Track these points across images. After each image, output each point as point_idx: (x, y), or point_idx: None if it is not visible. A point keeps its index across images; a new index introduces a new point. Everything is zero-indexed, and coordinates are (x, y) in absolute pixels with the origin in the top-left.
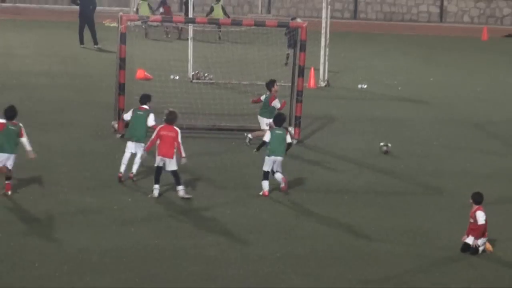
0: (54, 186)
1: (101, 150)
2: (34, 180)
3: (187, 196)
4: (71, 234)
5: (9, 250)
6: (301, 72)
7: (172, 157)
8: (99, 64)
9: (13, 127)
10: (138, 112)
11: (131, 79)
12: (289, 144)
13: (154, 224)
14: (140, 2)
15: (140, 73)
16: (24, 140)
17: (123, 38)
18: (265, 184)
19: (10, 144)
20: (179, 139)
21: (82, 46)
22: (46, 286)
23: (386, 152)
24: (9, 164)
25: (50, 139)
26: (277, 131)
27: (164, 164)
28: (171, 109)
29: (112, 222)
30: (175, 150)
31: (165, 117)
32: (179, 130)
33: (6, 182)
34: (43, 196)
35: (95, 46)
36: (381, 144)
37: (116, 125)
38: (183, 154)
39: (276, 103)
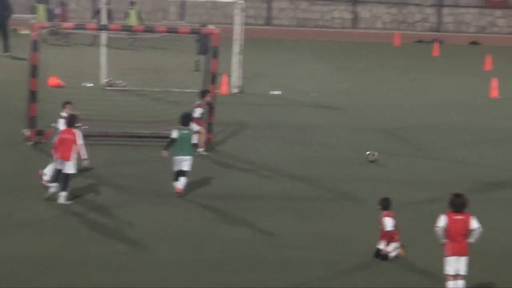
0: None
1: (12, 157)
2: None
3: (67, 202)
4: None
5: None
6: (214, 78)
7: (69, 160)
8: (12, 71)
9: None
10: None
11: (43, 87)
12: (195, 145)
13: (64, 232)
14: (38, 5)
15: (53, 81)
16: None
17: (34, 46)
18: (176, 183)
19: None
20: (79, 142)
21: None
22: None
23: (373, 161)
24: None
25: None
26: (183, 131)
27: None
28: (71, 113)
29: (21, 229)
30: (73, 153)
31: (65, 121)
32: (78, 133)
33: None
34: None
35: (6, 53)
36: (368, 152)
37: (27, 133)
38: (85, 156)
39: (196, 112)
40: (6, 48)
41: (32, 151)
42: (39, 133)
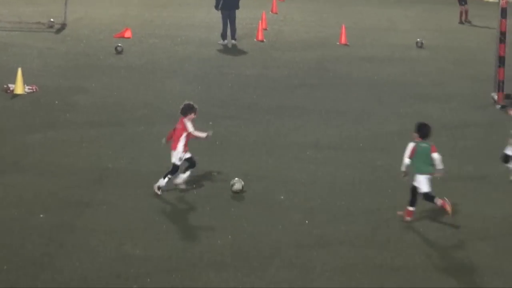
0: None
1: (480, 120)
2: None
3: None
4: None
5: None
6: None
7: (174, 149)
8: (473, 38)
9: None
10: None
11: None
12: None
13: None
14: None
15: None
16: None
17: (503, 12)
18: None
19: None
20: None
21: None
22: None
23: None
24: None
25: (431, 109)
26: None
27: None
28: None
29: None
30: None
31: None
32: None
33: None
34: None
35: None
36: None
37: (495, 97)
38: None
39: None
40: None
41: (498, 113)
42: (507, 96)
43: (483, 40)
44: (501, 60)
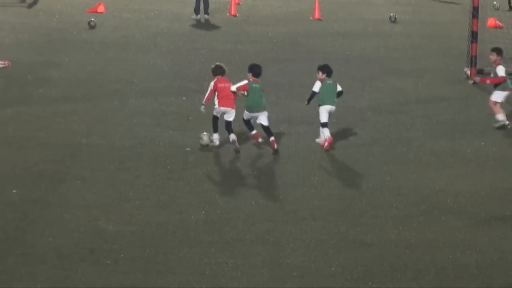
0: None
1: (453, 95)
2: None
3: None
4: None
5: None
6: None
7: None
8: (446, 13)
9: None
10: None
11: (483, 27)
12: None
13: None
14: None
15: (491, 22)
16: None
17: None
18: None
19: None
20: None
21: None
22: None
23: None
24: None
25: (405, 84)
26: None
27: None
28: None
29: (465, 164)
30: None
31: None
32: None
33: None
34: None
35: None
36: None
37: (468, 72)
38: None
39: None
40: None
41: (471, 88)
42: (480, 71)
43: (456, 15)
44: (474, 35)
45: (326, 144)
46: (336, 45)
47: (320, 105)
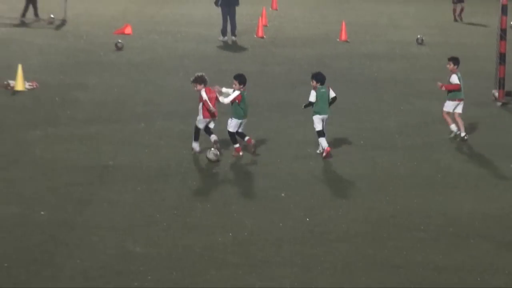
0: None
1: (481, 117)
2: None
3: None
4: None
5: None
6: None
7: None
8: (473, 35)
9: None
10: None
11: None
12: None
13: None
14: None
15: None
16: None
17: (503, 10)
18: None
19: None
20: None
21: None
22: None
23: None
24: None
25: (432, 106)
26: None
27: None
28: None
29: None
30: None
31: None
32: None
33: None
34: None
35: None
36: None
37: (496, 94)
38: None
39: None
40: None
41: (500, 111)
42: (508, 94)
43: (482, 37)
44: (502, 57)
45: (324, 154)
46: (363, 67)
47: (314, 114)
